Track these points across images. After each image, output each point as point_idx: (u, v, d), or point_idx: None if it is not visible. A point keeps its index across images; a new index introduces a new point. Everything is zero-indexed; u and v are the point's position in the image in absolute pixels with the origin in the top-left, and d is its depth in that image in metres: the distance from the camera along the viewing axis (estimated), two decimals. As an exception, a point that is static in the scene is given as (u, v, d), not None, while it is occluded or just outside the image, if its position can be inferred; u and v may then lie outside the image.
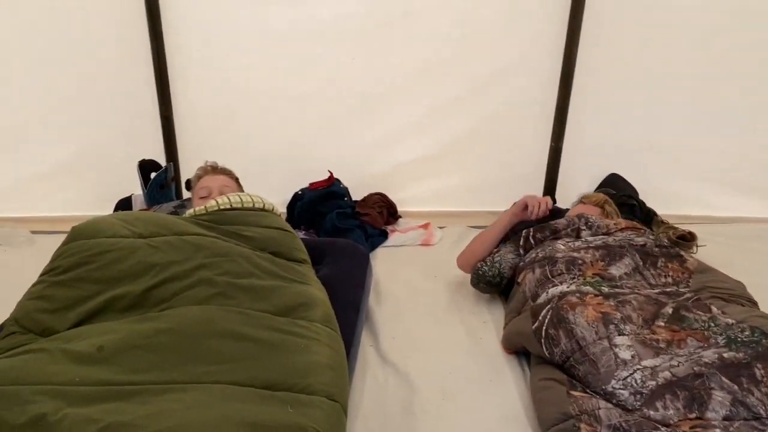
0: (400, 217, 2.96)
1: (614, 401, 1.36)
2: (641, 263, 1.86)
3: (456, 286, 2.24)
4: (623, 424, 1.27)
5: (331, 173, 2.85)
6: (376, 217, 2.78)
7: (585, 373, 1.45)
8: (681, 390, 1.32)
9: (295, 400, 1.26)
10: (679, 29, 2.72)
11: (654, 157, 2.95)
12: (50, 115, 2.83)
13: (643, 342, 1.48)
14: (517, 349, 1.79)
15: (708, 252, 2.22)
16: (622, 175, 2.95)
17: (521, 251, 2.09)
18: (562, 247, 1.96)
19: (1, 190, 2.92)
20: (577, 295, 1.67)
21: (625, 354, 1.44)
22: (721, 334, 1.48)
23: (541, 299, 1.77)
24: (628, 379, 1.38)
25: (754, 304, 1.71)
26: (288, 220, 2.73)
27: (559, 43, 2.77)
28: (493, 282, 2.09)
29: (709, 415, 1.28)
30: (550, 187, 3.02)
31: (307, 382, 1.31)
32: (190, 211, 1.92)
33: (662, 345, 1.47)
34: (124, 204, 2.74)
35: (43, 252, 1.72)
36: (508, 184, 2.76)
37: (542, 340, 1.59)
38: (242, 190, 2.22)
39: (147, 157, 2.77)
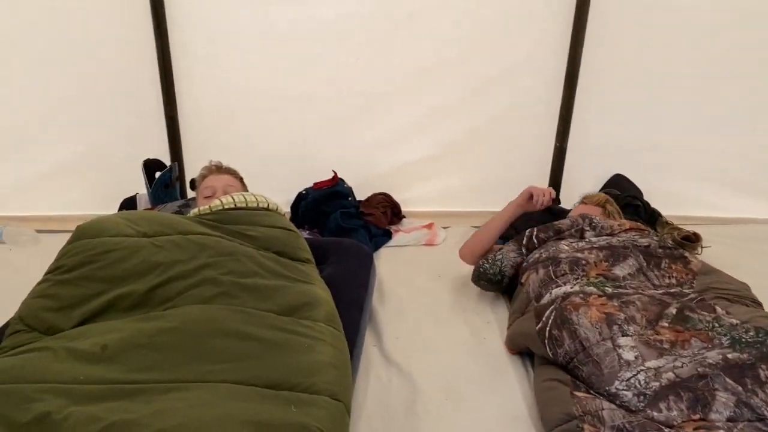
0: (404, 217, 2.95)
1: (618, 402, 1.36)
2: (645, 264, 1.86)
3: (460, 286, 2.24)
4: (626, 425, 1.26)
5: (335, 173, 2.85)
6: (380, 217, 2.78)
7: (588, 374, 1.45)
8: (685, 391, 1.32)
9: (298, 399, 1.26)
10: (684, 30, 2.71)
11: (659, 158, 2.94)
12: (55, 115, 2.84)
13: (646, 343, 1.47)
14: (521, 350, 1.78)
15: (713, 253, 2.22)
16: (626, 176, 2.94)
17: (523, 250, 2.08)
18: (566, 247, 1.96)
19: (6, 190, 2.93)
20: (581, 295, 1.66)
21: (628, 355, 1.44)
22: (725, 335, 1.47)
23: (545, 300, 1.77)
24: (632, 380, 1.38)
25: (759, 305, 1.71)
26: (292, 219, 2.73)
27: (563, 43, 2.76)
28: (494, 280, 2.09)
29: (713, 416, 1.27)
30: (554, 188, 3.02)
31: (310, 382, 1.31)
32: (194, 211, 1.92)
33: (666, 346, 1.47)
34: (129, 203, 2.75)
35: (48, 251, 1.73)
36: (512, 184, 2.72)
37: (546, 341, 1.59)
38: (246, 190, 2.23)
39: (152, 157, 2.78)
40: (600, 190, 2.76)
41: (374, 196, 2.93)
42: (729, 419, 1.26)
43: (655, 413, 1.30)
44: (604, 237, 2.03)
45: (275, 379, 1.30)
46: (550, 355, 1.57)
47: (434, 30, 2.79)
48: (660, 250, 1.92)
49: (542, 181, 3.02)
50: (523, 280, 1.94)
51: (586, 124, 2.92)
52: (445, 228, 2.82)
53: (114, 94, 2.84)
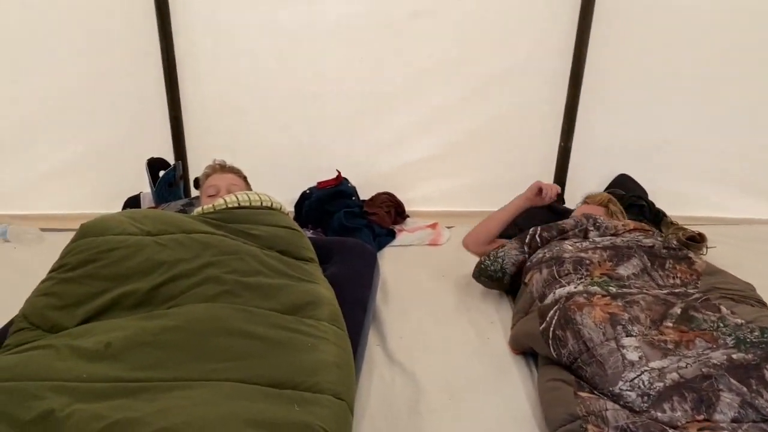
0: (408, 216, 2.95)
1: (621, 403, 1.36)
2: (649, 264, 1.85)
3: (463, 286, 2.23)
4: (630, 426, 1.26)
5: (339, 172, 2.85)
6: (384, 217, 2.77)
7: (592, 375, 1.45)
8: (689, 392, 1.32)
9: (301, 398, 1.26)
10: (689, 30, 2.70)
11: (663, 158, 2.93)
12: (60, 114, 2.84)
13: (650, 343, 1.47)
14: (525, 350, 1.78)
15: (718, 253, 2.21)
16: (631, 176, 2.93)
17: (525, 248, 2.08)
18: (570, 247, 1.95)
19: (11, 188, 2.94)
20: (585, 295, 1.66)
21: (632, 355, 1.44)
22: (730, 335, 1.47)
23: (549, 300, 1.77)
24: (636, 381, 1.37)
25: (764, 305, 1.70)
26: (296, 218, 2.73)
27: (568, 42, 2.76)
28: (494, 277, 2.09)
29: (717, 417, 1.27)
30: (559, 187, 3.01)
31: (313, 381, 1.31)
32: (198, 210, 1.92)
33: (670, 346, 1.46)
34: (133, 202, 2.76)
35: (52, 249, 1.73)
36: (516, 184, 2.73)
37: (549, 341, 1.59)
38: (250, 189, 2.23)
39: (156, 156, 2.79)
40: (605, 190, 2.75)
41: (378, 195, 2.93)
42: (733, 420, 1.25)
43: (659, 414, 1.30)
44: (608, 237, 2.03)
45: (278, 377, 1.30)
46: (554, 355, 1.57)
47: (439, 30, 2.78)
48: (664, 251, 1.92)
49: (547, 181, 2.99)
50: (526, 280, 1.94)
51: (591, 124, 2.91)
52: (449, 228, 2.81)
53: (118, 93, 2.84)
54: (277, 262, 1.72)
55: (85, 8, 2.69)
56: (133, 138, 2.92)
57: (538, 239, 2.09)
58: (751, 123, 2.85)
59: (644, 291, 1.70)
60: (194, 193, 2.76)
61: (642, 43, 2.75)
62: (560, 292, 1.76)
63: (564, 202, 2.90)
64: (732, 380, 1.32)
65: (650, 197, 2.73)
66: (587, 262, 1.84)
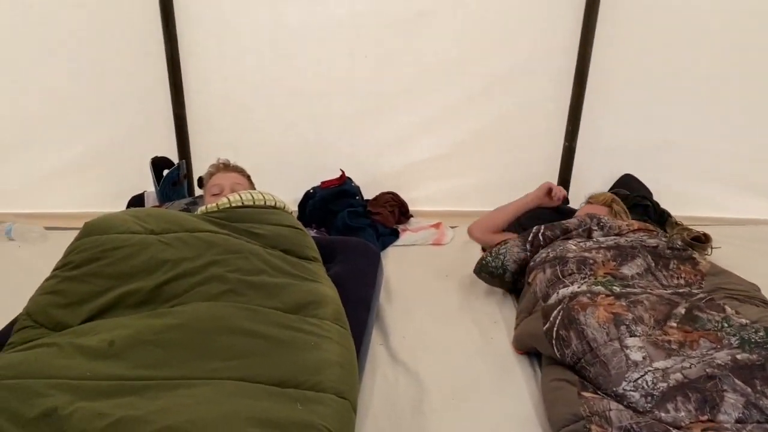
0: (412, 216, 2.95)
1: (625, 403, 1.35)
2: (653, 264, 1.85)
3: (467, 285, 2.23)
4: (634, 426, 1.25)
5: (343, 172, 2.85)
6: (388, 216, 2.77)
7: (596, 375, 1.44)
8: (693, 392, 1.31)
9: (304, 397, 1.26)
10: (695, 29, 2.69)
11: (668, 158, 2.92)
12: (64, 113, 2.85)
13: (654, 343, 1.47)
14: (528, 350, 1.78)
15: (722, 254, 2.20)
16: (635, 176, 2.92)
17: (528, 246, 2.08)
18: (574, 247, 1.95)
19: (15, 187, 2.95)
20: (588, 295, 1.66)
21: (636, 355, 1.43)
22: (734, 335, 1.46)
23: (552, 300, 1.76)
24: (639, 381, 1.37)
25: (769, 306, 1.69)
26: (299, 218, 2.72)
27: (573, 41, 2.75)
28: (495, 273, 2.09)
29: (721, 417, 1.26)
30: (563, 187, 2.99)
31: (316, 380, 1.31)
32: (201, 209, 1.92)
33: (674, 346, 1.46)
34: (137, 201, 2.76)
35: (56, 248, 1.73)
36: (520, 183, 2.73)
37: (553, 341, 1.58)
38: (254, 188, 2.23)
39: (160, 155, 2.79)
40: (609, 190, 2.75)
41: (382, 195, 2.93)
42: (738, 420, 1.25)
43: (663, 414, 1.30)
44: (612, 237, 2.02)
45: (281, 376, 1.30)
46: (557, 355, 1.56)
47: (444, 29, 2.78)
48: (668, 251, 1.91)
49: (551, 181, 2.99)
50: (530, 280, 1.94)
51: (596, 124, 2.90)
52: (452, 227, 2.81)
53: (122, 92, 2.85)
54: (281, 261, 1.72)
55: (90, 7, 2.69)
56: (137, 137, 2.92)
57: (541, 238, 2.09)
58: (756, 123, 2.85)
59: (648, 291, 1.69)
60: (198, 192, 2.76)
61: (647, 43, 2.75)
62: (564, 292, 1.76)
63: (568, 202, 2.90)
64: (736, 381, 1.31)
65: (655, 197, 2.72)
66: (591, 261, 1.83)
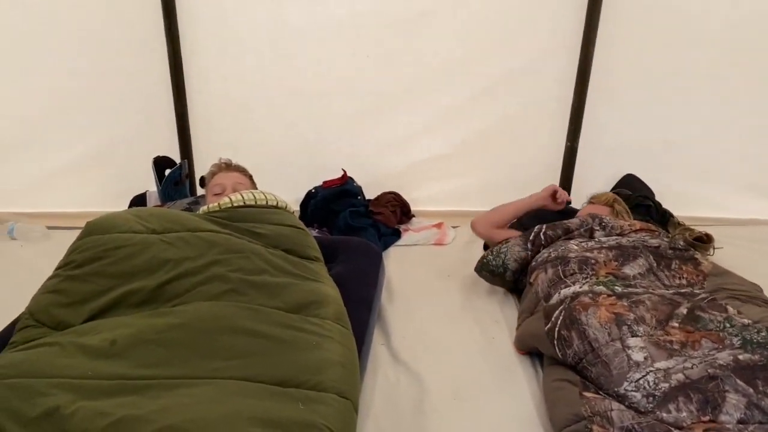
0: (414, 216, 2.95)
1: (627, 403, 1.35)
2: (655, 265, 1.85)
3: (469, 285, 2.23)
4: (636, 426, 1.25)
5: (345, 171, 2.85)
6: (390, 216, 2.77)
7: (597, 375, 1.44)
8: (694, 392, 1.31)
9: (306, 396, 1.26)
10: (698, 28, 2.69)
11: (671, 158, 2.92)
12: (66, 112, 2.86)
13: (656, 343, 1.46)
14: (530, 350, 1.78)
15: (725, 254, 2.20)
16: (638, 176, 2.92)
17: (529, 245, 2.08)
18: (575, 247, 1.95)
19: (17, 186, 2.95)
20: (590, 295, 1.65)
21: (637, 356, 1.43)
22: (736, 335, 1.46)
23: (554, 300, 1.76)
24: (641, 381, 1.37)
25: (772, 306, 1.69)
26: (301, 217, 2.72)
27: (575, 42, 2.75)
28: (496, 272, 2.09)
29: (723, 418, 1.26)
30: (565, 187, 2.99)
31: (318, 379, 1.31)
32: (203, 208, 1.92)
33: (676, 346, 1.46)
34: (139, 200, 2.77)
35: (58, 247, 1.74)
36: (522, 183, 2.73)
37: (555, 341, 1.58)
38: (256, 188, 2.24)
39: (162, 154, 2.79)
40: (611, 190, 2.74)
41: (384, 195, 2.93)
42: (739, 421, 1.25)
43: (665, 414, 1.29)
44: (614, 237, 2.02)
45: (283, 376, 1.30)
46: (559, 355, 1.56)
47: (445, 29, 2.78)
48: (670, 251, 1.91)
49: (553, 181, 2.98)
50: (531, 280, 1.94)
51: (598, 124, 2.90)
52: (454, 227, 2.81)
53: (125, 91, 2.85)
54: (283, 261, 1.72)
55: (92, 7, 2.70)
56: (139, 136, 2.92)
57: (542, 237, 2.09)
58: (759, 123, 2.84)
59: (650, 291, 1.69)
60: (200, 191, 2.76)
61: (649, 43, 2.74)
62: (565, 292, 1.75)
63: (570, 203, 2.89)
64: (738, 381, 1.31)
65: (657, 197, 2.72)
66: (593, 261, 1.83)
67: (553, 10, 2.73)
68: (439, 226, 2.81)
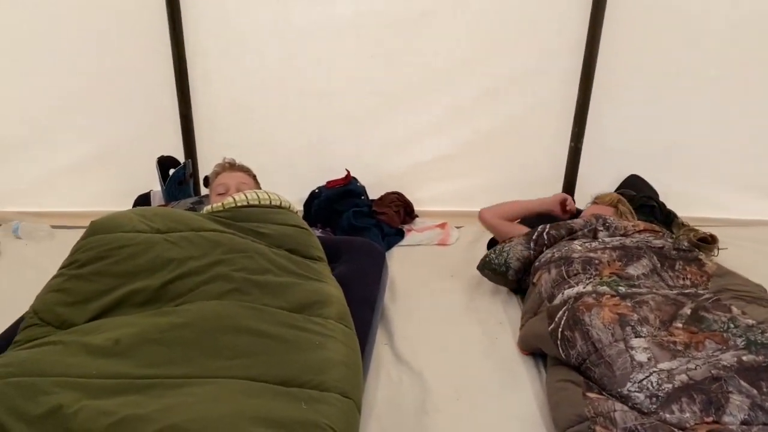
0: (417, 216, 2.95)
1: (630, 404, 1.35)
2: (659, 265, 1.84)
3: (472, 286, 2.23)
4: (639, 427, 1.25)
5: (348, 172, 2.85)
6: (393, 216, 2.77)
7: (601, 375, 1.44)
8: (698, 393, 1.31)
9: (309, 396, 1.26)
10: (703, 28, 2.68)
11: (675, 159, 2.91)
12: (71, 112, 2.86)
13: (660, 344, 1.46)
14: (533, 350, 1.77)
15: (729, 255, 2.19)
16: (642, 176, 2.91)
17: (532, 244, 2.08)
18: (579, 247, 1.94)
19: (22, 186, 2.96)
20: (593, 295, 1.65)
21: (641, 356, 1.43)
22: (740, 336, 1.46)
23: (557, 300, 1.76)
24: (644, 382, 1.36)
25: (775, 306, 1.68)
26: (305, 217, 2.73)
27: (579, 42, 2.74)
28: (498, 270, 2.09)
29: (727, 419, 1.26)
30: (569, 188, 3.00)
31: (321, 379, 1.31)
32: (207, 208, 1.93)
33: (680, 347, 1.46)
34: (143, 200, 2.77)
35: (62, 246, 1.75)
36: (526, 184, 2.74)
37: (558, 342, 1.58)
38: (259, 188, 2.24)
39: (166, 154, 2.80)
40: (615, 191, 2.74)
41: (387, 195, 2.92)
42: (743, 422, 1.24)
43: (668, 415, 1.29)
44: (618, 237, 2.02)
45: (286, 375, 1.30)
46: (562, 356, 1.56)
47: (450, 29, 2.78)
48: (674, 252, 1.91)
49: (557, 181, 3.00)
50: (535, 280, 1.93)
51: (602, 124, 2.89)
52: (458, 228, 2.81)
53: (129, 92, 2.86)
54: (286, 261, 1.72)
55: (97, 8, 2.70)
56: (143, 136, 2.93)
57: (545, 237, 2.08)
58: (763, 124, 2.83)
59: (654, 291, 1.69)
60: (204, 191, 2.77)
61: (653, 44, 2.73)
62: (569, 292, 1.75)
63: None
64: (742, 382, 1.31)
65: (661, 198, 2.71)
66: (596, 261, 1.83)
67: (557, 11, 2.73)
68: (442, 226, 2.81)
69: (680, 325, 1.53)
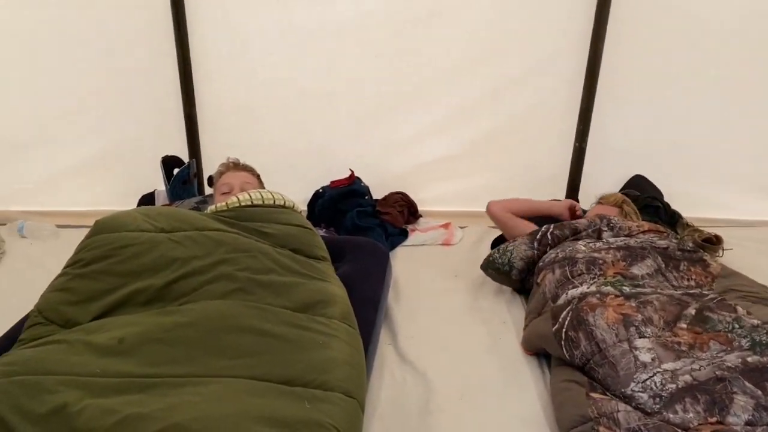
0: (421, 216, 2.95)
1: (633, 404, 1.35)
2: (663, 266, 1.84)
3: (476, 286, 2.23)
4: (642, 428, 1.25)
5: (352, 172, 2.85)
6: (397, 216, 2.77)
7: (604, 376, 1.44)
8: (702, 394, 1.30)
9: (312, 395, 1.26)
10: (707, 28, 2.67)
11: (680, 159, 2.90)
12: (76, 112, 2.87)
13: (664, 345, 1.46)
14: (537, 351, 1.77)
15: (734, 256, 2.18)
16: (646, 177, 2.91)
17: (536, 244, 2.08)
18: (583, 247, 1.94)
19: (28, 185, 2.97)
20: (598, 296, 1.65)
21: (645, 357, 1.42)
22: (745, 337, 1.45)
23: (561, 300, 1.76)
24: (648, 382, 1.36)
25: (780, 308, 1.67)
26: (309, 217, 2.73)
27: (583, 43, 2.74)
28: (501, 270, 2.09)
29: (731, 419, 1.25)
30: (573, 188, 3.00)
31: (324, 378, 1.31)
32: (211, 207, 1.93)
33: (684, 348, 1.45)
34: (147, 199, 2.78)
35: (67, 245, 1.75)
36: (530, 184, 2.73)
37: (562, 342, 1.58)
38: (263, 187, 2.24)
39: (170, 154, 2.80)
40: (620, 191, 2.73)
41: (391, 195, 2.92)
42: (747, 423, 1.24)
43: (671, 415, 1.29)
44: (622, 238, 2.01)
45: (289, 375, 1.31)
46: (566, 356, 1.56)
47: (455, 30, 2.77)
48: (679, 253, 1.90)
49: (561, 182, 3.00)
50: (539, 280, 1.93)
51: (606, 125, 2.89)
52: (462, 228, 2.81)
53: (134, 92, 2.86)
54: (290, 261, 1.72)
55: (103, 9, 2.71)
56: (148, 136, 2.94)
57: (549, 237, 2.08)
58: (768, 124, 2.83)
59: (658, 291, 1.68)
60: (208, 190, 2.77)
61: (658, 44, 2.73)
62: (573, 292, 1.75)
63: (577, 201, 2.89)
64: (746, 383, 1.30)
65: (665, 198, 2.71)
66: (600, 261, 1.82)
67: (561, 11, 2.72)
68: (446, 226, 2.81)
69: (685, 326, 1.53)
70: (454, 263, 2.43)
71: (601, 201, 2.41)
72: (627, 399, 1.36)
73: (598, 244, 1.95)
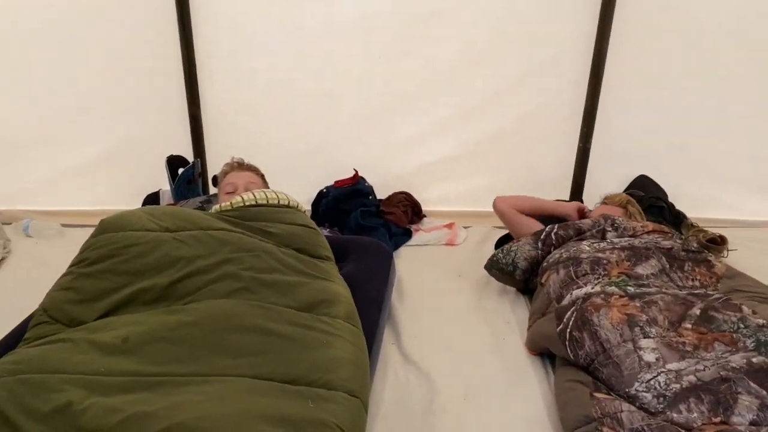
0: (425, 216, 2.95)
1: (637, 404, 1.34)
2: (668, 266, 1.83)
3: (480, 286, 2.23)
4: (645, 428, 1.25)
5: (356, 171, 2.85)
6: (401, 216, 2.77)
7: (609, 376, 1.44)
8: (706, 394, 1.30)
9: (316, 395, 1.26)
10: (712, 29, 2.67)
11: (684, 159, 2.90)
12: (81, 112, 2.88)
13: (668, 345, 1.46)
14: (542, 351, 1.77)
15: (738, 256, 2.18)
16: (651, 177, 2.90)
17: (539, 244, 2.07)
18: (587, 247, 1.94)
19: (33, 185, 2.98)
20: (602, 296, 1.65)
21: (649, 357, 1.42)
22: (750, 337, 1.45)
23: (566, 301, 1.76)
24: (652, 382, 1.36)
25: (786, 308, 1.67)
26: (313, 217, 2.73)
27: (588, 43, 2.73)
28: (505, 270, 2.09)
29: (735, 419, 1.25)
30: (577, 189, 2.99)
31: (328, 378, 1.31)
32: (216, 207, 1.94)
33: (688, 348, 1.45)
34: (152, 199, 2.78)
35: (72, 244, 1.76)
36: (534, 184, 2.72)
37: (566, 343, 1.58)
38: (268, 187, 2.24)
39: (175, 153, 2.81)
40: (624, 191, 2.73)
41: (395, 194, 2.92)
42: (752, 423, 1.24)
43: (675, 415, 1.29)
44: (626, 238, 2.01)
45: (293, 374, 1.31)
46: (570, 356, 1.56)
47: (458, 30, 2.77)
48: (683, 253, 1.90)
49: (565, 182, 2.99)
50: (543, 281, 1.93)
51: (611, 125, 2.88)
52: (466, 228, 2.81)
53: (139, 92, 2.87)
54: (294, 260, 1.72)
55: (107, 8, 2.71)
56: (152, 136, 2.94)
57: (553, 237, 2.08)
58: (773, 124, 2.82)
59: (663, 291, 1.68)
60: (212, 190, 2.78)
61: (662, 45, 2.72)
62: (577, 293, 1.75)
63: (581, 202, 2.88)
64: (751, 383, 1.30)
65: (670, 199, 2.70)
66: (605, 262, 1.82)
67: (566, 12, 2.72)
68: (450, 226, 2.81)
69: (689, 326, 1.52)
70: (458, 263, 2.43)
71: (606, 201, 2.41)
72: (631, 399, 1.36)
73: (602, 245, 1.95)
